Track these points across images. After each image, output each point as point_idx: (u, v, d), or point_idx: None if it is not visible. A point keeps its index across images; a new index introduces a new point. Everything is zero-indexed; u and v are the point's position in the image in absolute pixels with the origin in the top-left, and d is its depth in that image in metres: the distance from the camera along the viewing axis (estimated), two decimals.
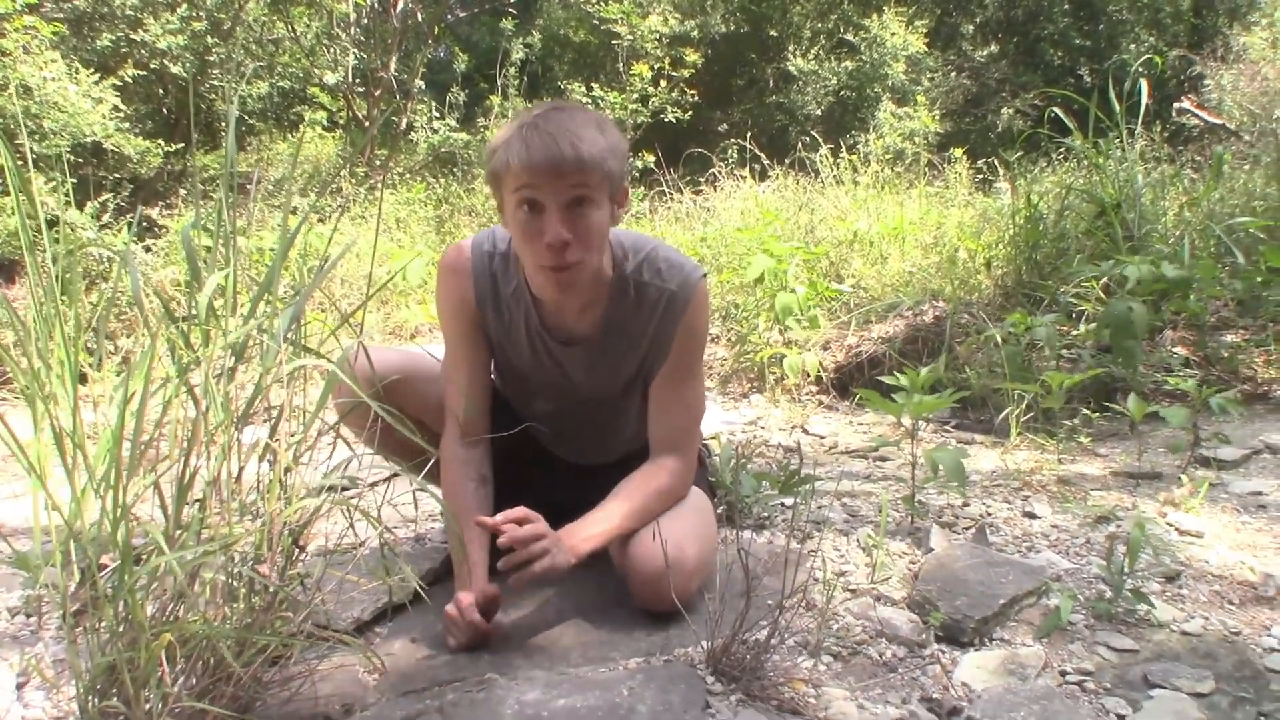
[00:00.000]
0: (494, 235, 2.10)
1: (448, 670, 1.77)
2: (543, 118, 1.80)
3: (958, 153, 7.87)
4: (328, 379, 1.54)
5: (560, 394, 2.17)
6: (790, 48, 14.78)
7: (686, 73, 12.02)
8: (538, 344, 2.09)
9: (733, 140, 7.72)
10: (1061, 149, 6.01)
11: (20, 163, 1.45)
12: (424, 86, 13.32)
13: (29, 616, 2.03)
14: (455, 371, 2.11)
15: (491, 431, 2.12)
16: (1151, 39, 14.88)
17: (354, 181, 10.05)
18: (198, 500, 1.48)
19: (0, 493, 3.10)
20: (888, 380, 2.80)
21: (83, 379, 1.49)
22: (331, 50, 12.34)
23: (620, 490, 2.00)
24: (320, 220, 7.79)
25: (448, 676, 1.75)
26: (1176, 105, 8.20)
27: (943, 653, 1.85)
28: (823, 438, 3.91)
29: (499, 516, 1.81)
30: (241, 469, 1.52)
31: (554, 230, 1.78)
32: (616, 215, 1.92)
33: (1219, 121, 7.99)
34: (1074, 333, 3.75)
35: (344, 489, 2.23)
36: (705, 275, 2.08)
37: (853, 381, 4.61)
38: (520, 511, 1.82)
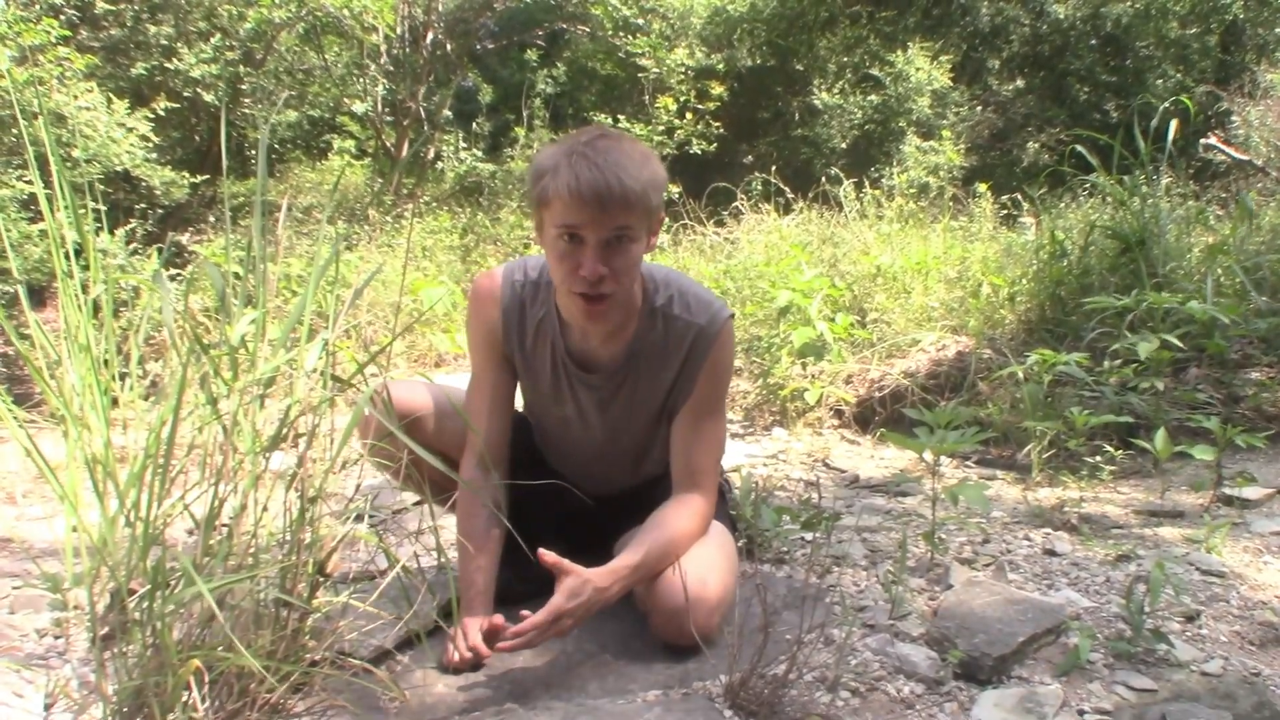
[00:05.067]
0: (525, 265, 2.13)
1: (467, 700, 1.79)
2: (590, 147, 1.81)
3: (982, 187, 7.85)
4: (354, 413, 1.57)
5: (580, 427, 2.19)
6: (816, 81, 14.82)
7: (712, 105, 12.12)
8: (560, 372, 2.11)
9: (757, 174, 7.73)
10: (1087, 185, 6.00)
11: (50, 191, 1.49)
12: (451, 116, 13.45)
13: (57, 638, 2.06)
14: (478, 396, 2.14)
15: (509, 457, 2.15)
16: (1178, 75, 14.85)
17: (381, 210, 10.14)
18: (225, 526, 1.51)
19: (30, 514, 3.14)
20: (910, 413, 2.80)
21: (113, 402, 1.52)
22: (361, 80, 12.50)
23: (648, 533, 1.96)
24: (349, 248, 7.86)
25: (467, 706, 1.77)
26: (1203, 141, 8.17)
27: (960, 690, 1.85)
28: (844, 471, 3.91)
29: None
30: (269, 497, 1.55)
31: (591, 265, 1.82)
32: (650, 244, 1.95)
33: (1245, 157, 7.95)
34: (1098, 369, 3.74)
35: (369, 517, 2.25)
36: (732, 315, 2.10)
37: (875, 415, 4.61)
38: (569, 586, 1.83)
